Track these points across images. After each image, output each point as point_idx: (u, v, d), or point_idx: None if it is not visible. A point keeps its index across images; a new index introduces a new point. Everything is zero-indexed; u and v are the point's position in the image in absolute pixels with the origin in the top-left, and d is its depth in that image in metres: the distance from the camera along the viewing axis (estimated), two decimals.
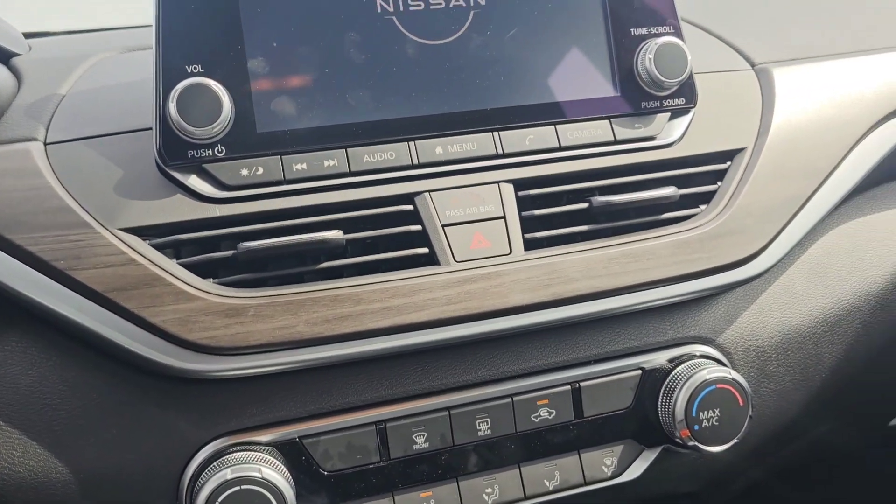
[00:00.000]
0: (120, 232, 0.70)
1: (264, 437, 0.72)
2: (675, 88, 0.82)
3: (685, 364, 0.80)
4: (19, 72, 0.83)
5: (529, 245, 0.76)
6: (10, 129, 0.74)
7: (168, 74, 0.70)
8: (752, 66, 0.92)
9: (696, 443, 0.77)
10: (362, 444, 0.74)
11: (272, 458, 0.70)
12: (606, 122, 0.81)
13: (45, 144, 0.73)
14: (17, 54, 0.86)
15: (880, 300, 0.92)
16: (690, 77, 0.82)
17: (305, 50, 0.74)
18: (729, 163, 0.85)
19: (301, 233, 0.72)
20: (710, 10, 1.05)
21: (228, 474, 0.67)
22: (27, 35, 1.41)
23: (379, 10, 0.76)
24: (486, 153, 0.77)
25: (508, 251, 0.75)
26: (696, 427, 0.77)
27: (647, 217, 0.80)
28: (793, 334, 0.87)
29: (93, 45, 0.91)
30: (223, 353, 0.68)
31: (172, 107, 0.69)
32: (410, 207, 0.75)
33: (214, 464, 0.69)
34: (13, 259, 0.68)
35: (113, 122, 0.75)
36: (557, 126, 0.80)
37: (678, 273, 0.77)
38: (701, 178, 0.84)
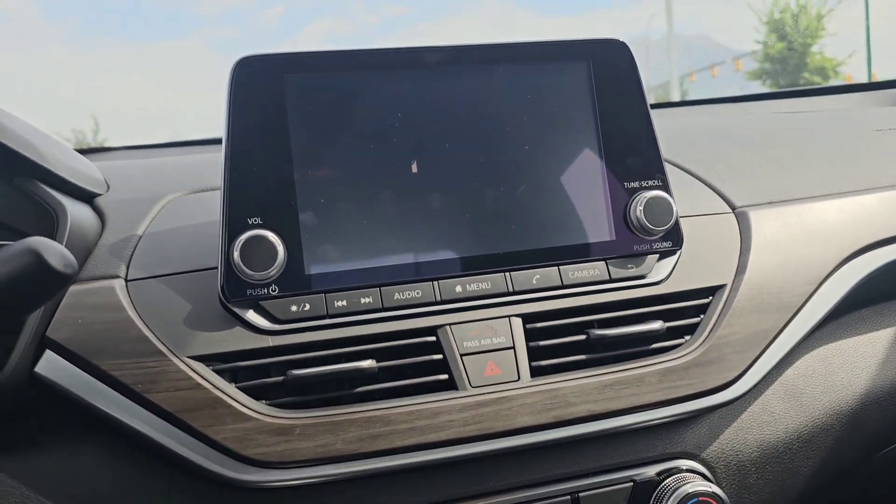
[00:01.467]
0: (188, 359, 0.83)
1: None
2: (663, 234, 0.95)
3: (673, 477, 0.91)
4: (102, 212, 0.98)
5: (536, 372, 0.89)
6: (97, 267, 0.88)
7: (233, 225, 0.85)
8: (733, 209, 1.06)
9: None
10: None
11: None
12: (603, 263, 0.94)
13: (127, 281, 0.87)
14: (98, 194, 1.01)
15: (851, 419, 1.02)
16: (676, 224, 0.95)
17: (348, 205, 0.88)
18: (710, 298, 0.97)
19: (341, 361, 0.85)
20: (695, 152, 1.20)
21: None
22: (94, 150, 1.59)
23: (415, 171, 0.90)
24: (498, 291, 0.90)
25: (517, 378, 0.87)
26: None
27: (637, 347, 0.92)
28: (770, 450, 0.97)
29: (165, 185, 1.06)
30: (273, 467, 0.80)
31: (236, 254, 0.83)
32: (433, 339, 0.88)
33: None
34: (99, 382, 0.81)
35: (183, 262, 0.90)
36: (560, 267, 0.93)
37: (665, 398, 0.89)
38: (685, 311, 0.96)
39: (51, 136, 1.02)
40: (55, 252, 0.71)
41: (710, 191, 1.10)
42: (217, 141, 1.55)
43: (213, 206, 0.89)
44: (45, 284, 0.72)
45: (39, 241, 0.71)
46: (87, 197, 1.00)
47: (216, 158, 0.89)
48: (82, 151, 1.60)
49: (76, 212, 0.92)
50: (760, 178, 1.13)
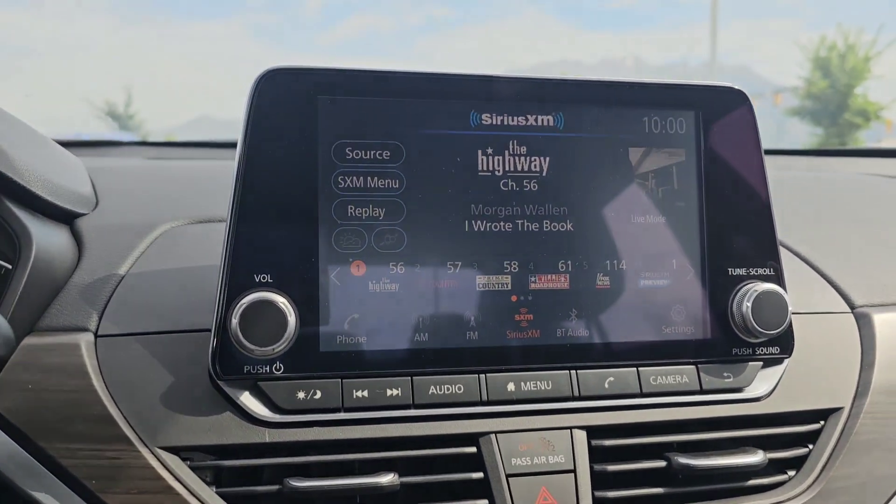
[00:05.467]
0: (160, 451, 0.64)
1: None
2: (770, 337, 0.76)
3: None
4: (82, 237, 0.80)
5: None
6: (62, 313, 0.70)
7: (234, 281, 0.66)
8: (852, 308, 0.86)
9: None
10: None
11: None
12: (693, 367, 0.75)
13: (97, 337, 0.69)
14: (81, 214, 0.83)
15: None
16: (789, 327, 0.76)
17: (382, 268, 0.69)
18: (822, 423, 0.77)
19: (354, 472, 0.66)
20: (793, 224, 1.00)
21: None
22: (98, 144, 1.41)
23: (469, 232, 0.71)
24: (560, 394, 0.71)
25: None
26: None
27: (729, 484, 0.73)
28: None
29: (164, 207, 0.88)
30: None
31: (234, 321, 0.65)
32: (474, 450, 0.69)
33: None
34: (43, 468, 0.63)
35: (169, 317, 0.71)
36: (640, 368, 0.73)
37: None
38: (790, 439, 0.76)
39: (36, 135, 0.84)
40: None
41: (821, 280, 0.90)
42: None
43: (217, 243, 0.70)
44: None
45: None
46: (67, 217, 0.82)
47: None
48: (83, 144, 1.44)
49: (45, 240, 0.73)
50: (881, 267, 0.93)
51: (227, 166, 0.72)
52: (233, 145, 0.73)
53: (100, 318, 0.70)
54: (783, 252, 0.91)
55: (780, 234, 0.93)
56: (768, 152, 0.80)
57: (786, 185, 1.24)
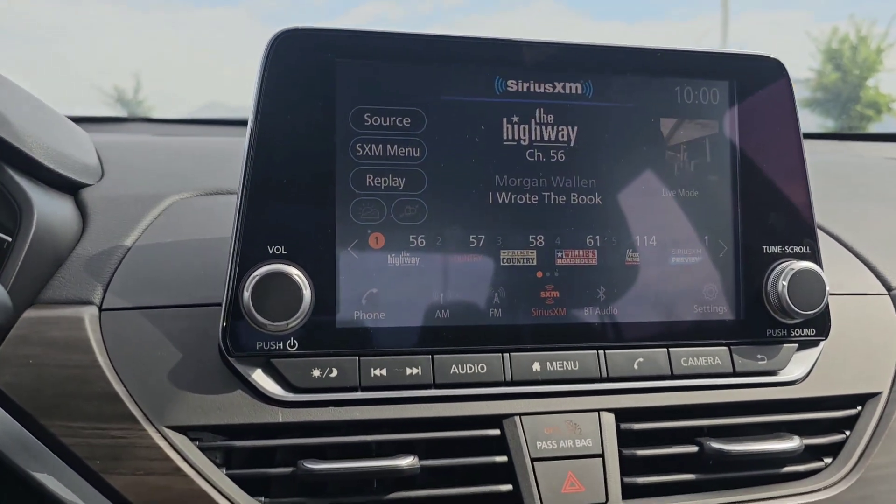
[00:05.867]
0: (167, 430, 0.61)
1: None
2: (806, 318, 0.72)
3: None
4: (86, 208, 0.76)
5: (629, 493, 0.66)
6: (65, 286, 0.67)
7: (246, 252, 0.63)
8: (889, 290, 0.82)
9: None
10: None
11: None
12: (725, 349, 0.71)
13: (101, 310, 0.66)
14: (86, 185, 0.80)
15: None
16: (826, 308, 0.72)
17: (402, 240, 0.66)
18: (860, 408, 0.74)
19: (371, 454, 0.63)
20: (826, 206, 0.95)
21: None
22: (105, 120, 1.38)
23: (495, 203, 0.68)
24: (588, 375, 0.68)
25: (604, 500, 0.65)
26: None
27: (763, 470, 0.69)
28: None
29: (172, 179, 0.84)
30: None
31: (246, 294, 0.61)
32: (497, 432, 0.65)
33: None
34: (44, 447, 0.60)
35: (178, 291, 0.68)
36: (670, 349, 0.70)
37: None
38: (826, 424, 0.73)
39: (40, 104, 0.81)
40: None
41: (856, 260, 0.86)
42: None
43: (227, 216, 0.66)
44: None
45: None
46: (71, 188, 0.79)
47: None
48: (89, 120, 1.40)
49: (48, 209, 0.70)
50: None
51: (237, 143, 0.69)
52: (243, 123, 0.69)
53: (105, 291, 0.67)
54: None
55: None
56: None
57: (814, 166, 1.20)
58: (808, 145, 1.66)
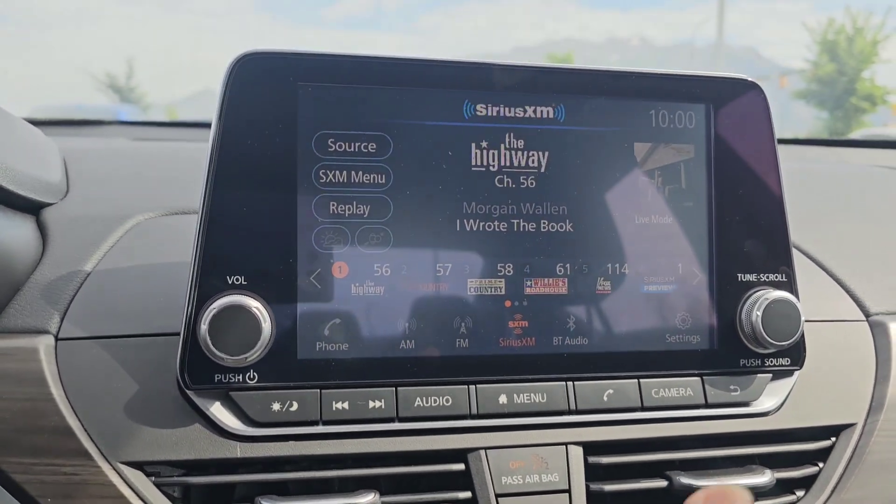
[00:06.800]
0: (122, 466, 0.59)
1: None
2: (781, 348, 0.71)
3: None
4: (47, 230, 0.74)
5: None
6: (21, 314, 0.65)
7: (205, 282, 0.61)
8: (866, 316, 0.80)
9: None
10: None
11: None
12: (698, 379, 0.70)
13: (57, 340, 0.64)
14: (48, 204, 0.78)
15: None
16: (801, 338, 0.71)
17: (365, 270, 0.64)
18: (834, 440, 0.73)
19: (332, 491, 0.62)
20: (801, 221, 0.94)
21: None
22: (86, 123, 1.35)
23: (462, 231, 0.66)
24: (556, 408, 0.66)
25: None
26: None
27: None
28: None
29: (138, 196, 0.82)
30: None
31: (203, 328, 0.59)
32: (462, 467, 0.64)
33: None
34: None
35: (137, 319, 0.66)
36: (641, 380, 0.69)
37: None
38: (799, 456, 0.72)
39: (2, 115, 0.78)
40: None
41: (834, 285, 0.84)
42: None
43: (192, 238, 0.65)
44: None
45: None
46: (32, 208, 0.77)
47: None
48: (68, 123, 1.38)
49: (5, 234, 0.68)
50: None
51: None
52: None
53: (61, 320, 0.65)
54: (793, 254, 0.86)
55: (791, 233, 0.88)
56: (779, 142, 0.74)
57: (796, 178, 1.18)
58: (794, 151, 1.65)
